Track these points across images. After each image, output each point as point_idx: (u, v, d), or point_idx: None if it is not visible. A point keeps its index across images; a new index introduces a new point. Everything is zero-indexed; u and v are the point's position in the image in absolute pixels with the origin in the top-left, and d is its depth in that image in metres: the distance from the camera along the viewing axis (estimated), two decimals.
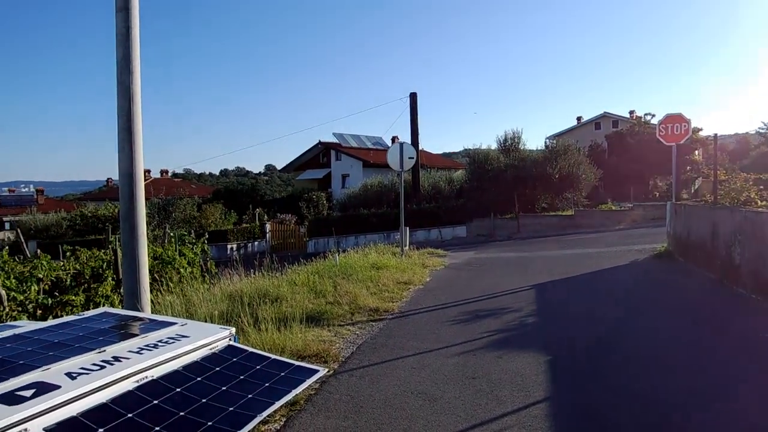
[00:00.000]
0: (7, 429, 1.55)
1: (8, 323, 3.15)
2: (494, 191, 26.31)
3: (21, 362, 2.03)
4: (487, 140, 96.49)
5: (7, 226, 47.34)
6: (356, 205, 29.89)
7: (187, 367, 2.20)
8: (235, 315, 6.54)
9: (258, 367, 2.31)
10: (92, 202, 45.45)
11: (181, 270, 10.88)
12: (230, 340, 2.51)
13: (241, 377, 2.20)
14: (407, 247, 15.31)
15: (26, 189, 67.39)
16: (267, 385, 2.18)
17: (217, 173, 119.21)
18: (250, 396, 2.07)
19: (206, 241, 13.55)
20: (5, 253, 14.45)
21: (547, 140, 38.65)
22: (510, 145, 29.96)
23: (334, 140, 40.90)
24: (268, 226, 30.43)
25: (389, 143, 43.64)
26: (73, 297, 8.96)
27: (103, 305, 9.51)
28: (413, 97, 27.59)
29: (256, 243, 29.42)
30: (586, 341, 6.13)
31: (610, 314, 7.49)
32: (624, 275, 11.13)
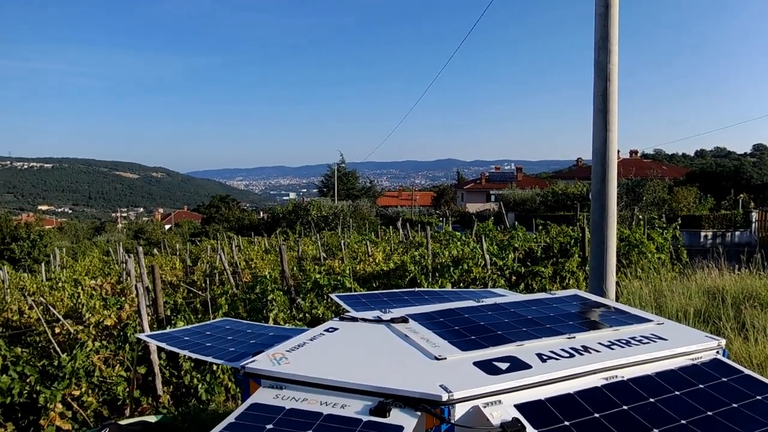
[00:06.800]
0: (485, 396, 1.62)
1: (492, 290, 3.50)
2: None
3: (499, 332, 2.14)
4: None
5: (492, 198, 56.67)
6: None
7: (662, 375, 1.91)
8: (714, 316, 5.67)
9: (758, 397, 1.82)
10: (563, 180, 48.72)
11: (648, 255, 10.35)
12: (718, 353, 2.08)
13: (733, 405, 1.77)
14: None
15: (508, 167, 78.32)
16: None
17: (692, 154, 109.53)
18: None
19: (677, 227, 12.57)
20: (490, 222, 16.88)
21: None
22: None
23: None
24: (754, 215, 26.18)
25: None
26: (542, 269, 9.59)
27: (569, 280, 9.89)
28: None
29: (737, 233, 25.78)
30: None
31: None
32: None
